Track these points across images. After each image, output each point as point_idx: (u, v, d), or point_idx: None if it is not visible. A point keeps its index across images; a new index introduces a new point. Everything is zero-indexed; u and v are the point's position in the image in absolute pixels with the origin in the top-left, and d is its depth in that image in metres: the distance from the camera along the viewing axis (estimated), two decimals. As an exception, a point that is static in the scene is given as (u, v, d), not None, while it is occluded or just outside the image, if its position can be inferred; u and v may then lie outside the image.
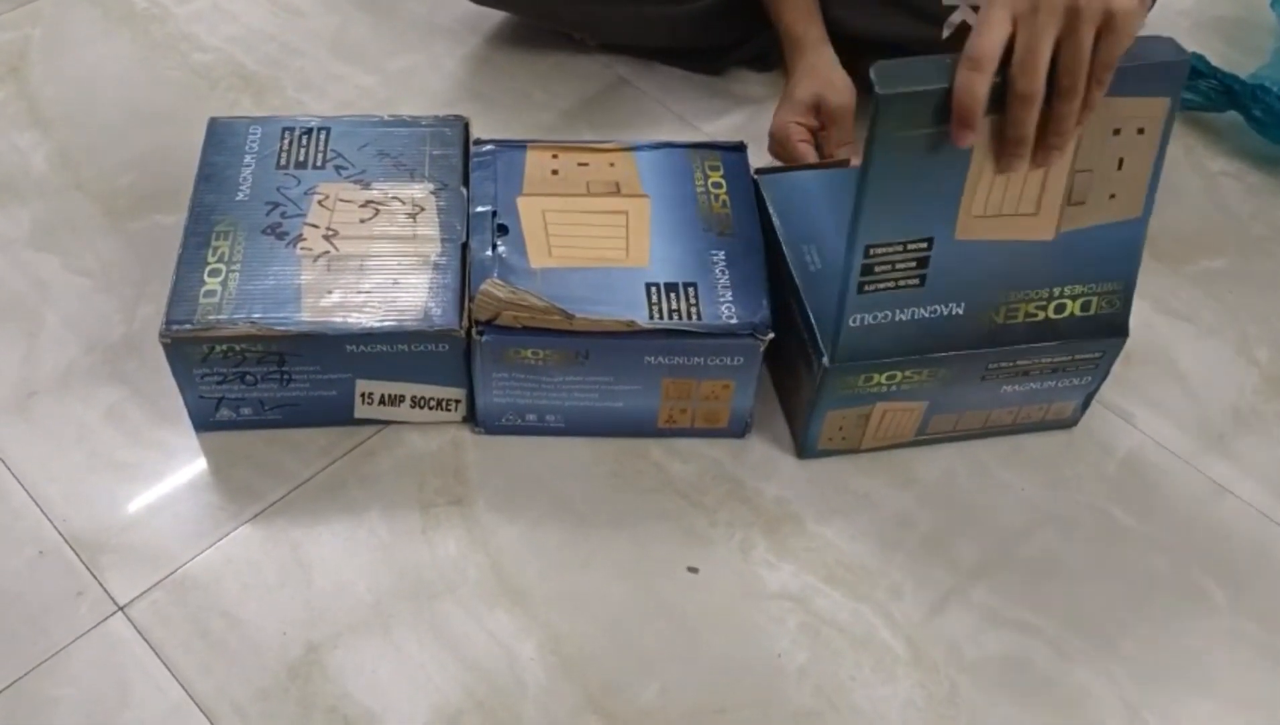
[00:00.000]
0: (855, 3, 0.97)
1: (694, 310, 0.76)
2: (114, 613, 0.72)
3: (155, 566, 0.74)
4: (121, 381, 0.81)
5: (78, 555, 0.75)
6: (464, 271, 0.77)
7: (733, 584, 0.76)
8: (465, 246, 0.78)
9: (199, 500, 0.78)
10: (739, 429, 0.81)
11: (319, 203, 0.81)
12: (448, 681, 0.70)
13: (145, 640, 0.71)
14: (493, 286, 0.74)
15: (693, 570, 0.76)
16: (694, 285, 0.77)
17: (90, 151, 0.98)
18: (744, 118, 1.04)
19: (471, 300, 0.75)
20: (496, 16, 1.10)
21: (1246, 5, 1.15)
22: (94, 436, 0.80)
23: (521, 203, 0.81)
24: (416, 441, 0.81)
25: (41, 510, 0.77)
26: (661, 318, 0.75)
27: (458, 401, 0.80)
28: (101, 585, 0.73)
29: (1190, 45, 1.08)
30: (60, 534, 0.76)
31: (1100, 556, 0.79)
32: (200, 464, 0.79)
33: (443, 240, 0.79)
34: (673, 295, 0.76)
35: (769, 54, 1.05)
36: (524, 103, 1.05)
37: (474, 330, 0.75)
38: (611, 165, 0.84)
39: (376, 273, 0.77)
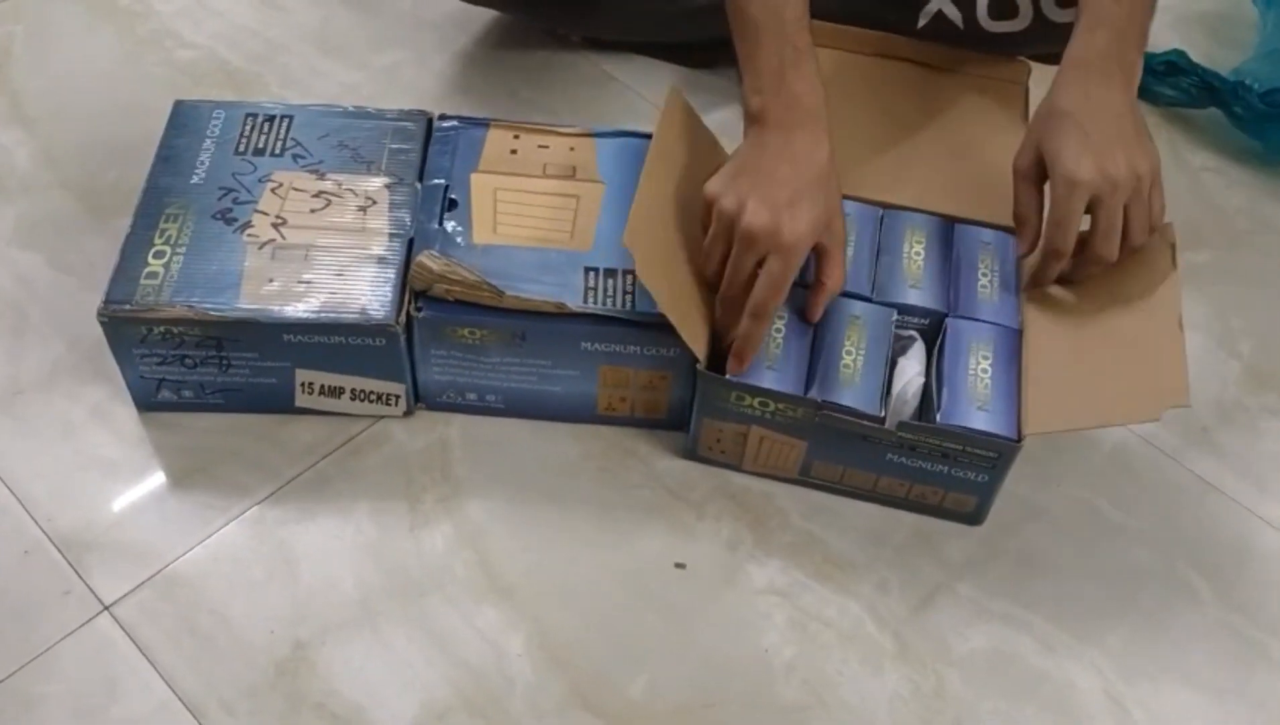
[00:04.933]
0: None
1: (629, 298, 0.76)
2: (100, 612, 0.72)
3: (142, 564, 0.74)
4: (107, 379, 0.80)
5: (63, 554, 0.74)
6: (408, 266, 0.77)
7: (720, 579, 0.76)
8: (412, 242, 0.78)
9: (186, 498, 0.77)
10: (679, 420, 0.81)
11: (272, 190, 0.81)
12: (436, 678, 0.70)
13: (132, 639, 0.71)
14: (427, 258, 0.74)
15: (680, 566, 0.76)
16: (633, 273, 0.77)
17: (74, 149, 0.98)
18: (731, 113, 1.03)
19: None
20: (484, 13, 1.09)
21: (1228, 0, 1.16)
22: (79, 434, 0.80)
23: (475, 179, 0.82)
24: (403, 438, 0.81)
25: (26, 509, 0.76)
26: (595, 302, 0.75)
27: (398, 396, 0.80)
28: (87, 584, 0.73)
29: (1173, 40, 1.10)
30: (45, 533, 0.75)
31: (1086, 550, 0.79)
32: (187, 461, 0.79)
33: (391, 235, 0.79)
34: (610, 281, 0.76)
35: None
36: (511, 100, 1.05)
37: (411, 306, 0.75)
38: (571, 149, 0.84)
39: (321, 264, 0.77)
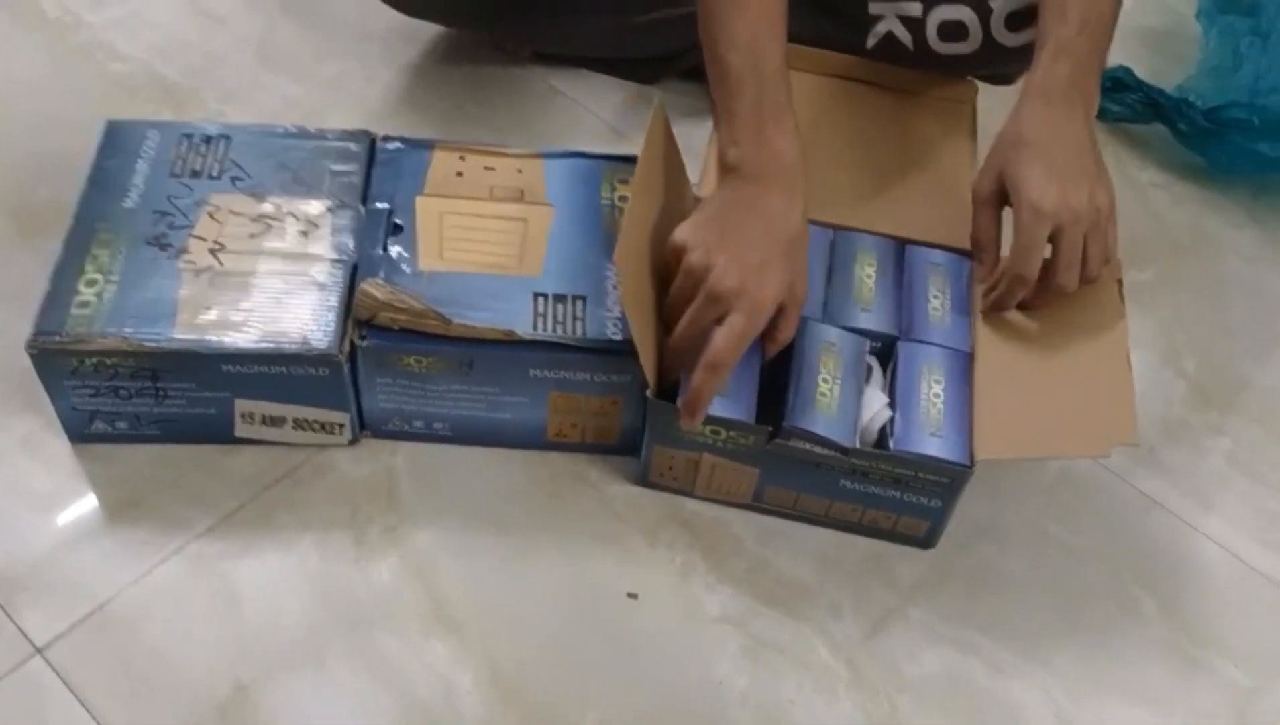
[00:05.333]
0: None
1: (579, 324, 0.75)
2: (32, 655, 0.70)
3: (76, 604, 0.72)
4: (38, 410, 0.78)
5: (-6, 593, 0.72)
6: (351, 293, 0.75)
7: (673, 609, 0.75)
8: (355, 268, 0.77)
9: (122, 533, 0.75)
10: (631, 445, 0.80)
11: (209, 215, 0.79)
12: (384, 716, 0.69)
13: (65, 683, 0.69)
14: (372, 286, 0.73)
15: (632, 596, 0.75)
16: (584, 298, 0.76)
17: (2, 166, 0.94)
18: (680, 130, 1.03)
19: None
20: (431, 25, 1.07)
21: (1173, 16, 1.17)
22: (8, 466, 0.77)
23: (420, 203, 0.80)
24: (348, 467, 0.79)
25: (-46, 546, 0.74)
26: (545, 329, 0.74)
27: (341, 425, 0.78)
28: (18, 625, 0.71)
29: (1117, 56, 1.10)
30: (-25, 571, 0.73)
31: (1036, 570, 0.79)
32: (123, 494, 0.77)
33: (333, 261, 0.77)
34: (560, 307, 0.75)
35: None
36: (456, 114, 1.03)
37: (356, 334, 0.73)
38: (519, 171, 0.83)
39: (260, 291, 0.75)
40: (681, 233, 0.71)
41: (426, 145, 0.84)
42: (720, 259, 0.69)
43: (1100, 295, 0.77)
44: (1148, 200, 1.04)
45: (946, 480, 0.74)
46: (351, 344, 0.74)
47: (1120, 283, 0.78)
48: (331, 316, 0.74)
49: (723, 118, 0.73)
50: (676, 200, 0.79)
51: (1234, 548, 0.82)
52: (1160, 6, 1.19)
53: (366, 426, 0.80)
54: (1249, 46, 1.03)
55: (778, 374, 0.75)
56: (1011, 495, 0.82)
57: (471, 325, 0.73)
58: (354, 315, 0.74)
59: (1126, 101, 1.06)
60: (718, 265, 0.69)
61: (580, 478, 0.81)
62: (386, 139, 0.84)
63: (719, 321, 0.69)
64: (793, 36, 0.92)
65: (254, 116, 0.99)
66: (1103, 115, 1.08)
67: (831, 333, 0.77)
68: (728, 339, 0.68)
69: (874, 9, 0.88)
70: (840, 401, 0.74)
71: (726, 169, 0.73)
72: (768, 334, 0.72)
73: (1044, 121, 0.74)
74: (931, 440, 0.74)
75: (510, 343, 0.74)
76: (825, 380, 0.75)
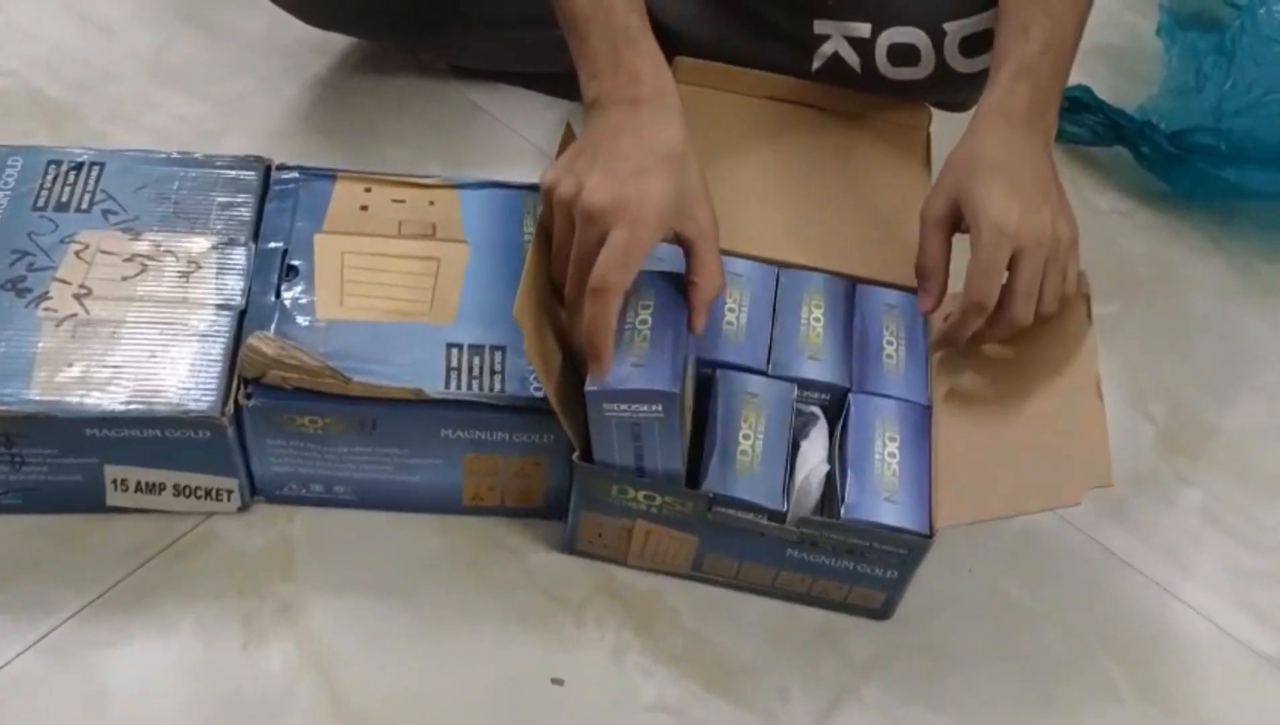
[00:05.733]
0: (717, 28, 0.88)
1: (498, 378, 0.67)
2: None
3: (-84, 706, 0.63)
4: (-120, 478, 0.68)
5: None
6: (238, 344, 0.66)
7: (603, 696, 0.68)
8: (243, 314, 0.68)
9: (-26, 620, 0.66)
10: (557, 509, 0.72)
11: (76, 254, 0.70)
12: (272, 832, 0.61)
13: (-102, 805, 0.60)
14: (260, 341, 0.64)
15: (557, 682, 0.68)
16: (502, 349, 0.68)
17: None
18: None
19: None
20: (342, 37, 0.99)
21: (1132, 33, 1.11)
22: None
23: (319, 241, 0.72)
24: (238, 537, 0.71)
25: None
26: (459, 386, 0.66)
27: (229, 491, 0.70)
28: None
29: (1077, 75, 1.03)
30: None
31: (999, 641, 0.73)
32: (-23, 574, 0.68)
33: (218, 307, 0.68)
34: (476, 359, 0.68)
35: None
36: (368, 133, 0.95)
37: (241, 392, 0.65)
38: (431, 204, 0.75)
39: (131, 342, 0.66)
40: (547, 174, 0.64)
41: (328, 175, 0.76)
42: (590, 179, 0.61)
43: (1066, 321, 0.70)
44: (1108, 228, 0.98)
45: (904, 551, 0.67)
46: (236, 404, 0.65)
47: (1088, 300, 0.71)
48: (214, 373, 0.66)
49: (579, 64, 0.67)
50: None
51: (1209, 612, 0.76)
52: (1119, 23, 1.13)
53: (259, 491, 0.71)
54: (1212, 66, 0.98)
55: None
56: (971, 558, 0.76)
57: (374, 383, 0.65)
58: (239, 373, 0.66)
59: (1085, 123, 1.00)
60: (588, 185, 0.61)
61: (500, 545, 0.73)
62: (283, 168, 0.76)
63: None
64: (732, 57, 0.86)
65: (142, 138, 0.90)
66: (1060, 137, 1.02)
67: (752, 382, 0.70)
68: (610, 255, 0.60)
69: (819, 28, 0.81)
70: (763, 459, 0.67)
71: (589, 106, 0.66)
72: (688, 284, 0.64)
73: (1004, 143, 0.67)
74: (886, 506, 0.67)
75: (419, 401, 0.66)
76: (746, 436, 0.68)
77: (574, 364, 0.67)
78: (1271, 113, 0.93)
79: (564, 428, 0.64)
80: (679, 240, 0.64)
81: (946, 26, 0.77)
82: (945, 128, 0.90)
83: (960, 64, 0.78)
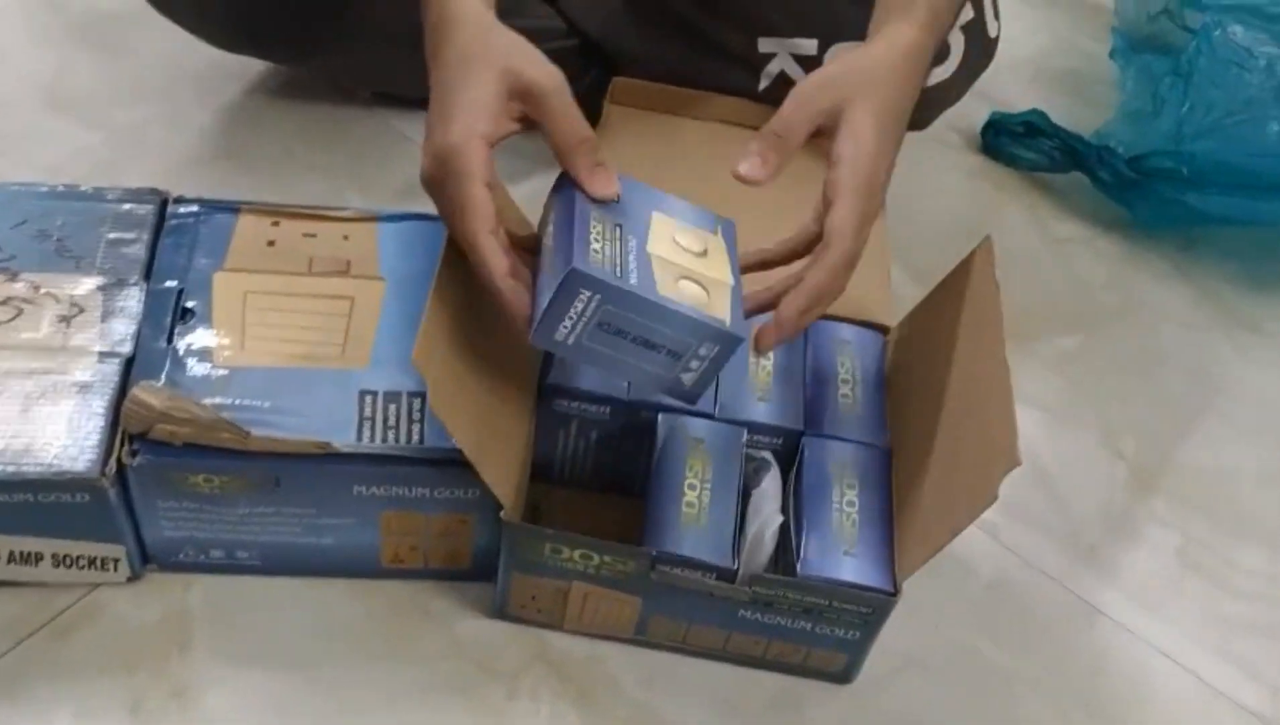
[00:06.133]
0: (660, 48, 0.83)
1: (416, 428, 0.61)
2: None
3: None
4: None
5: None
6: (124, 396, 0.59)
7: (537, 780, 0.61)
8: (131, 362, 0.61)
9: None
10: (486, 569, 0.65)
11: (-56, 298, 0.63)
12: None
13: None
14: (146, 392, 0.58)
15: (486, 766, 0.61)
16: (422, 395, 0.62)
17: None
18: (547, 182, 0.90)
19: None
20: (260, 62, 0.92)
21: (1086, 56, 1.08)
22: None
23: (219, 279, 0.65)
24: (127, 610, 0.63)
25: None
26: (372, 438, 0.60)
27: (117, 560, 0.62)
28: None
29: (1031, 99, 1.01)
30: None
31: (971, 705, 0.67)
32: None
33: (101, 355, 0.61)
34: (392, 407, 0.61)
35: (586, 103, 0.91)
36: (285, 163, 0.88)
37: (125, 450, 0.58)
38: (346, 238, 0.69)
39: (2, 396, 0.59)
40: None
41: (231, 207, 0.69)
42: (422, 155, 0.56)
43: (979, 302, 0.63)
44: (1068, 257, 0.94)
45: (866, 610, 0.61)
46: (120, 463, 0.58)
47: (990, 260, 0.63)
48: (95, 428, 0.59)
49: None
50: None
51: (1192, 665, 0.71)
52: (1070, 46, 1.10)
53: (151, 559, 0.64)
54: (1169, 89, 0.94)
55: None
56: (936, 613, 0.70)
57: (276, 437, 0.58)
58: (123, 428, 0.58)
59: (1041, 148, 0.96)
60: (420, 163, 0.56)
61: (424, 611, 0.66)
62: (181, 201, 0.69)
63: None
64: (677, 79, 0.81)
65: (34, 171, 0.82)
66: (1015, 162, 0.98)
67: (698, 426, 0.64)
68: (451, 210, 0.55)
69: (764, 46, 0.76)
70: (711, 511, 0.61)
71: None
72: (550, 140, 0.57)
73: (901, 85, 0.60)
74: (846, 561, 0.61)
75: (327, 456, 0.59)
76: (692, 486, 0.62)
77: (506, 409, 0.61)
78: (1232, 135, 0.90)
79: (486, 484, 0.58)
80: (523, 122, 0.57)
81: None
82: (910, 151, 0.85)
83: None
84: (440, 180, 0.56)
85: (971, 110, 0.84)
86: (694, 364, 0.56)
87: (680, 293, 0.55)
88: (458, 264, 0.59)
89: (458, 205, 0.55)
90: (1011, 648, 0.70)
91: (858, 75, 0.58)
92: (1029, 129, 0.96)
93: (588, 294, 0.54)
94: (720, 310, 0.55)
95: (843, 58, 0.60)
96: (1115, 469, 0.80)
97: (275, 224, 0.69)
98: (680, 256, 0.57)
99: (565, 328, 0.55)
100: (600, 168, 0.57)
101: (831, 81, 0.58)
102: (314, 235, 0.69)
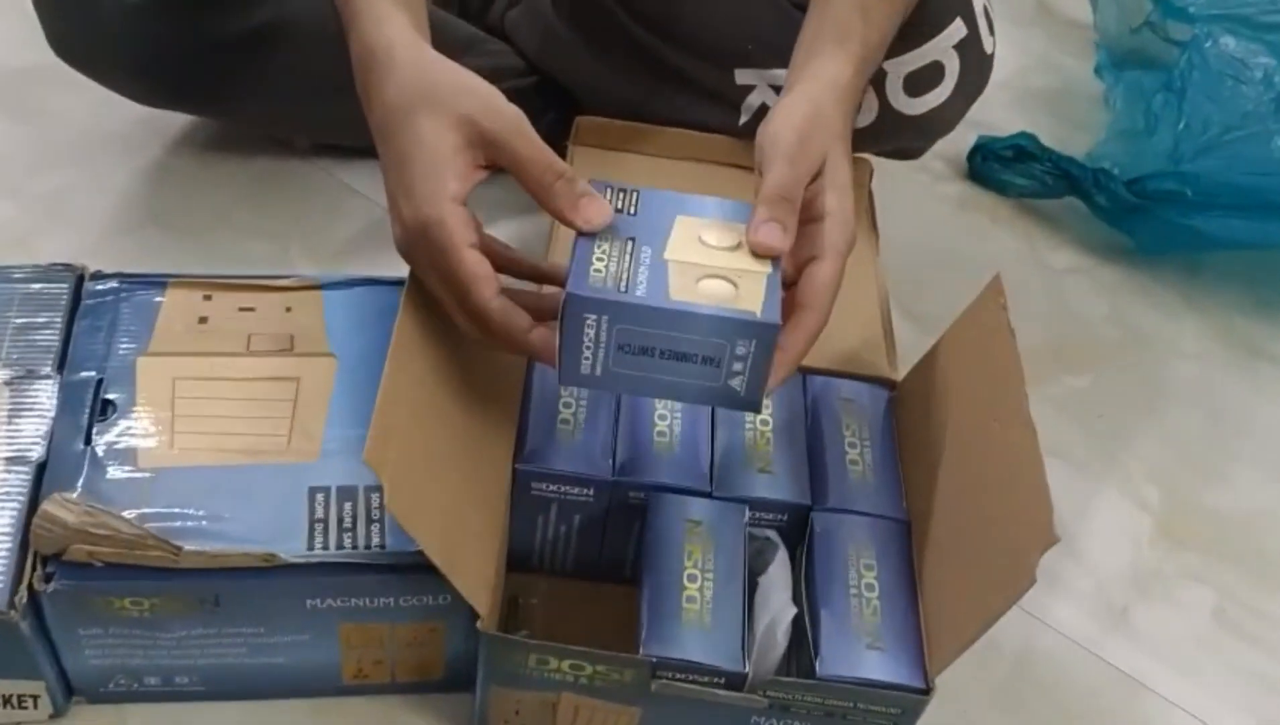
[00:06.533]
0: (633, 86, 0.76)
1: (375, 529, 0.54)
2: None
3: None
4: None
5: None
6: (31, 510, 0.51)
7: None
8: (44, 468, 0.53)
9: None
10: (462, 679, 0.58)
11: None
12: None
13: None
14: (57, 507, 0.50)
15: None
16: (380, 490, 0.54)
17: None
18: (507, 232, 0.83)
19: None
20: (182, 116, 0.85)
21: (1067, 75, 1.03)
22: None
23: (143, 365, 0.58)
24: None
25: None
26: (325, 544, 0.52)
27: (36, 696, 0.54)
28: None
29: (1014, 121, 0.95)
30: None
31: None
32: None
33: (8, 460, 0.54)
34: (348, 505, 0.54)
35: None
36: (218, 227, 0.81)
37: (37, 575, 0.50)
38: (288, 310, 0.61)
39: None
40: None
41: (156, 282, 0.62)
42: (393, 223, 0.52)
43: (996, 351, 0.57)
44: (1067, 290, 0.88)
45: (896, 710, 0.54)
46: (32, 590, 0.50)
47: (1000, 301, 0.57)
48: (1, 551, 0.51)
49: None
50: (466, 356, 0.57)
51: (1244, 738, 0.64)
52: (1049, 65, 1.05)
53: (77, 691, 0.56)
54: (1162, 105, 0.89)
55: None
56: (961, 698, 0.63)
57: (212, 552, 0.51)
58: (34, 549, 0.51)
59: (1033, 173, 0.91)
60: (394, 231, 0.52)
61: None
62: (99, 276, 0.61)
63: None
64: (653, 117, 0.75)
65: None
66: (1005, 189, 0.93)
67: (694, 506, 0.58)
68: (440, 278, 0.51)
69: (741, 78, 0.70)
70: (715, 607, 0.54)
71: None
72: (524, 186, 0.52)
73: (849, 129, 0.56)
74: (870, 656, 0.54)
75: (273, 568, 0.52)
76: (692, 577, 0.55)
77: (475, 506, 0.53)
78: (1234, 153, 0.85)
79: (458, 591, 0.50)
80: (489, 168, 0.52)
81: (885, 65, 0.66)
82: (893, 181, 0.80)
83: (906, 105, 0.68)
84: (424, 255, 0.51)
85: (956, 135, 0.78)
86: (737, 367, 0.50)
87: (700, 293, 0.49)
88: (415, 335, 0.52)
89: (455, 281, 0.50)
90: (1047, 731, 0.63)
91: (825, 123, 0.53)
92: (1018, 153, 0.91)
93: (594, 317, 0.48)
94: (750, 301, 0.49)
95: (795, 104, 0.54)
96: (1140, 522, 0.74)
97: (207, 298, 0.61)
98: (706, 256, 0.51)
99: (587, 360, 0.50)
100: (585, 198, 0.51)
101: (809, 135, 0.53)
102: (252, 308, 0.61)
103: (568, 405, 0.61)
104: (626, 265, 0.50)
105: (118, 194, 0.82)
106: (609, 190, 0.52)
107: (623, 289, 0.48)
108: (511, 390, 0.61)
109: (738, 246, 0.51)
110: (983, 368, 0.59)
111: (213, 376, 0.58)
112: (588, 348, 0.49)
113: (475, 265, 0.50)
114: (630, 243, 0.51)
